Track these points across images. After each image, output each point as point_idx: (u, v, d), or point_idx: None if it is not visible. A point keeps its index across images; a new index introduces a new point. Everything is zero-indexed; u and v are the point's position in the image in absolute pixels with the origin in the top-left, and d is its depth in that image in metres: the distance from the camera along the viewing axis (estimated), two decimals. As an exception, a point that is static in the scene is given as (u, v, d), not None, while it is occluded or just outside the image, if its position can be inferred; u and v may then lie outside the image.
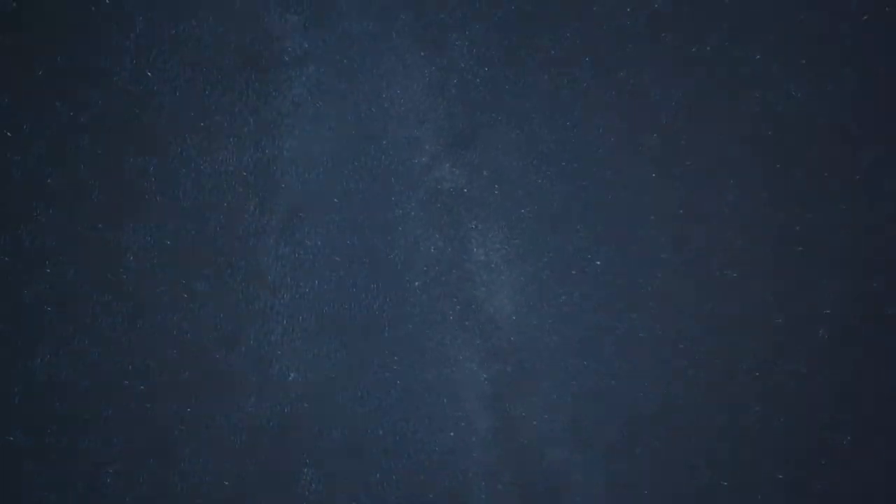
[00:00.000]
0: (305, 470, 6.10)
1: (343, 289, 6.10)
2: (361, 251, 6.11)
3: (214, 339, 5.89)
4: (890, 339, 5.96)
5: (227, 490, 5.93)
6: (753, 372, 6.13)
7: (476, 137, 6.08)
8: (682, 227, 6.09)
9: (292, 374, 6.10)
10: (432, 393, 6.30)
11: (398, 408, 6.25)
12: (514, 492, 6.46)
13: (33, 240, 5.41)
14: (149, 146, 5.58)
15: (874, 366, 6.03)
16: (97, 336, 5.61)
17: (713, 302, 6.14)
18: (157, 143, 5.59)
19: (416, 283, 6.24)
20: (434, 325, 6.29)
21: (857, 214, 5.85)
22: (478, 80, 5.95)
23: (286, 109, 5.84)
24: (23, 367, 5.49)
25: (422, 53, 5.94)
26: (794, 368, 6.07)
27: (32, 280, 5.48)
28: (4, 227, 5.36)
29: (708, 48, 5.75)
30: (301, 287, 6.05)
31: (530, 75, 5.92)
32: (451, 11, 5.84)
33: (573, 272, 6.26)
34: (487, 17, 5.80)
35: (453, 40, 5.91)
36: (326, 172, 5.99)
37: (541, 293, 6.31)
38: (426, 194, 6.17)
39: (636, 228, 6.15)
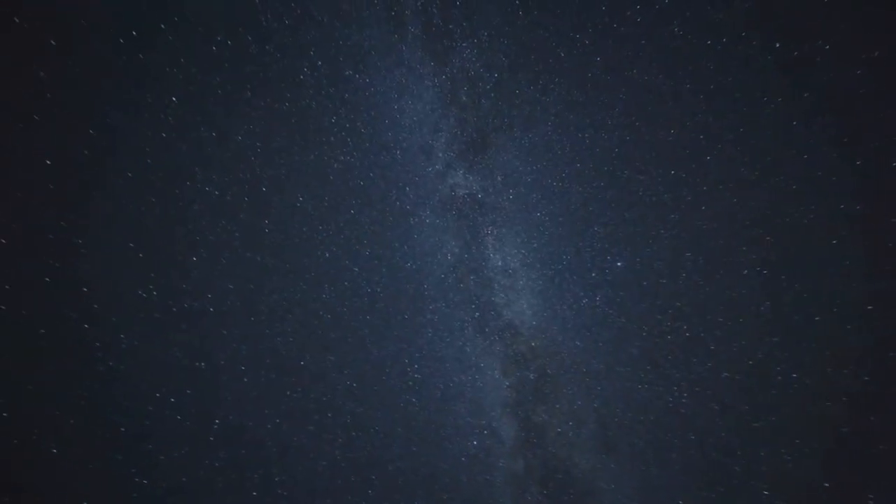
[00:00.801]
0: (325, 477, 6.17)
1: (360, 297, 6.17)
2: (378, 259, 6.17)
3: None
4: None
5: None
6: (789, 373, 5.84)
7: (488, 143, 6.07)
8: (706, 225, 5.89)
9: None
10: (453, 401, 6.28)
11: (419, 416, 6.25)
12: (542, 501, 6.34)
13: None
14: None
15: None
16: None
17: (742, 301, 5.89)
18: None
19: (434, 291, 6.25)
20: (453, 333, 6.27)
21: (890, 212, 5.52)
22: (488, 86, 5.96)
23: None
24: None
25: (431, 63, 5.99)
26: (831, 370, 5.75)
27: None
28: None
29: (723, 40, 5.58)
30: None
31: (540, 79, 5.88)
32: (458, 21, 5.88)
33: (594, 274, 6.14)
34: (494, 24, 5.81)
35: (462, 49, 5.94)
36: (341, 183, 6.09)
37: (561, 297, 6.22)
38: (441, 201, 6.20)
39: (658, 228, 5.98)
